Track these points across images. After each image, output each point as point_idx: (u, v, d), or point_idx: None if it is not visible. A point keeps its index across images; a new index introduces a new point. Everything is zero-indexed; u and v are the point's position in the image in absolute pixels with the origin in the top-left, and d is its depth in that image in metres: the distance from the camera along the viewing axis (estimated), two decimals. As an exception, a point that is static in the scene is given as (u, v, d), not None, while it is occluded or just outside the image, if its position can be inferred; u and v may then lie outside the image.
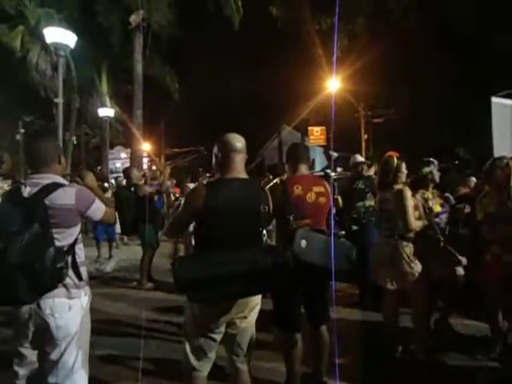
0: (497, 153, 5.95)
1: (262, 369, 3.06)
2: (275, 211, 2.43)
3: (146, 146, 21.54)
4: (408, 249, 3.14)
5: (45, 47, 11.95)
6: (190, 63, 17.52)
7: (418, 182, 3.37)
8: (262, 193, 2.19)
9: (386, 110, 18.67)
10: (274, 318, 2.72)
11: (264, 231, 2.14)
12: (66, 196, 2.01)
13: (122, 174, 7.17)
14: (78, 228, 2.10)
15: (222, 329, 2.12)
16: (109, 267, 7.10)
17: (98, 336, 3.67)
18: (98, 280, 6.20)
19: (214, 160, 2.21)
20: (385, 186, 3.34)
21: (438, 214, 3.34)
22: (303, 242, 2.38)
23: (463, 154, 17.41)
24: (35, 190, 1.99)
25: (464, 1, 13.84)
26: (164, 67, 15.23)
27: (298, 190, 2.60)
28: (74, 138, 16.52)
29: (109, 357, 3.38)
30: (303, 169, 2.75)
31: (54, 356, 2.03)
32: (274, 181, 3.05)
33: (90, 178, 2.37)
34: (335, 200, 4.42)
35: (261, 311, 2.23)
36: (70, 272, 2.03)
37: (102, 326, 4.10)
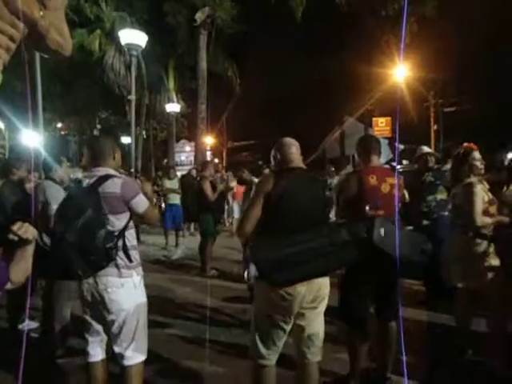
0: None
1: (325, 359, 3.11)
2: (349, 201, 2.49)
3: (208, 140, 22.24)
4: (482, 246, 2.94)
5: (119, 48, 12.80)
6: (251, 57, 17.72)
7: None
8: (321, 180, 2.35)
9: (458, 98, 17.36)
10: (341, 312, 2.71)
11: (331, 214, 2.17)
12: (114, 185, 2.25)
13: (188, 167, 7.52)
14: (127, 215, 2.32)
15: (292, 318, 2.14)
16: (176, 255, 7.50)
17: (166, 317, 4.03)
18: (165, 266, 6.60)
19: (272, 161, 2.37)
20: (457, 179, 3.15)
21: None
22: (382, 231, 2.37)
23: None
24: (92, 181, 2.28)
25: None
26: (227, 62, 15.56)
27: (373, 180, 2.58)
28: (144, 133, 17.55)
29: (177, 337, 3.60)
30: (376, 160, 2.72)
31: (114, 329, 2.28)
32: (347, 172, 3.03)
33: (146, 187, 2.59)
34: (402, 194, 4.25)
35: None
36: (121, 254, 2.26)
37: (170, 307, 4.40)
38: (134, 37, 7.49)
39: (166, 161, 16.23)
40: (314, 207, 2.17)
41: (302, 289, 2.07)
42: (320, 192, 2.22)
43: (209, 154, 23.55)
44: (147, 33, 7.84)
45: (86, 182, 2.31)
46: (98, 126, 19.94)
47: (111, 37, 13.43)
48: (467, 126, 15.53)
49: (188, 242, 8.36)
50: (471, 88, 16.14)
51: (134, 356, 2.29)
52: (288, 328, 2.17)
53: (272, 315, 2.14)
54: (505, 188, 3.38)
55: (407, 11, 14.48)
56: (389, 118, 20.00)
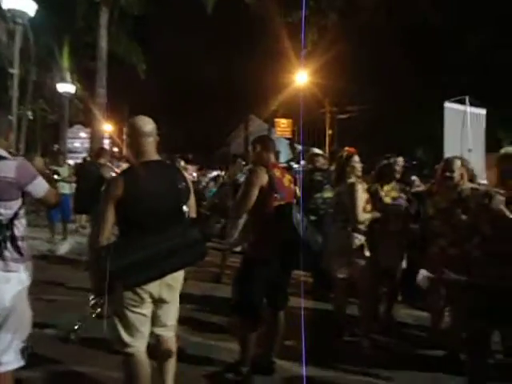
0: (447, 154, 6.30)
1: (216, 348, 3.20)
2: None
3: (107, 127, 20.82)
4: (358, 240, 3.32)
5: (1, 14, 11.18)
6: (158, 44, 17.05)
7: (381, 175, 3.60)
8: (177, 171, 2.29)
9: (350, 107, 19.15)
10: (236, 304, 2.82)
11: (185, 208, 2.18)
12: (7, 169, 2.00)
13: (83, 155, 6.93)
14: (18, 202, 2.09)
15: (149, 304, 2.14)
16: (62, 249, 6.87)
17: (49, 318, 3.68)
18: (49, 261, 6.02)
19: (125, 144, 2.28)
20: (340, 179, 3.50)
21: (387, 205, 3.57)
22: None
23: (422, 155, 18.24)
24: None
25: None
26: (131, 45, 14.69)
27: (278, 173, 2.78)
28: (29, 113, 15.66)
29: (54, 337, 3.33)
30: (272, 158, 2.89)
31: None
32: (250, 166, 3.13)
33: (38, 163, 2.34)
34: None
35: (213, 297, 2.28)
36: (9, 245, 2.03)
37: (53, 306, 4.03)
38: (19, 2, 6.62)
39: (56, 146, 14.70)
40: (167, 204, 2.13)
41: (155, 285, 2.09)
42: (174, 185, 2.16)
43: (107, 142, 22.05)
44: (40, 1, 7.01)
45: None
46: (-28, 101, 17.20)
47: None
48: (356, 133, 17.23)
49: (77, 236, 7.74)
50: (361, 100, 17.92)
51: (11, 361, 2.05)
52: (148, 312, 2.16)
53: (131, 304, 2.10)
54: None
55: (305, 20, 15.43)
56: (290, 120, 21.13)
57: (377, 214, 3.44)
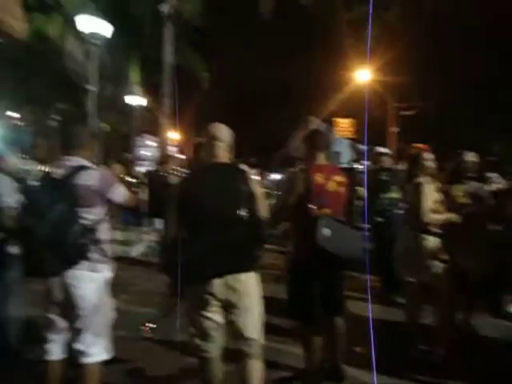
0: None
1: (282, 353, 3.18)
2: (296, 199, 2.50)
3: (174, 135, 21.83)
4: (429, 242, 3.12)
5: (80, 36, 12.28)
6: (219, 52, 17.58)
7: (453, 173, 3.36)
8: (241, 174, 2.24)
9: (415, 103, 18.15)
10: (290, 311, 2.77)
11: (244, 211, 2.14)
12: (91, 178, 2.17)
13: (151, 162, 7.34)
14: (102, 208, 2.26)
15: (217, 308, 2.13)
16: (136, 251, 7.33)
17: (122, 315, 3.93)
18: (125, 261, 6.44)
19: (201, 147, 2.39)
20: (410, 178, 3.32)
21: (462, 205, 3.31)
22: (326, 231, 2.42)
23: (500, 150, 16.70)
24: (65, 172, 2.17)
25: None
26: (193, 56, 15.35)
27: (319, 178, 2.61)
28: (104, 125, 16.97)
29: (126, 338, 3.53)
30: (321, 157, 2.75)
31: (80, 325, 2.21)
32: (294, 169, 3.07)
33: (117, 169, 2.51)
34: (354, 191, 4.42)
35: (275, 299, 2.27)
36: (94, 248, 2.20)
37: (130, 304, 4.30)
38: (97, 26, 7.24)
39: (127, 155, 15.79)
40: (225, 204, 2.12)
41: (216, 286, 2.08)
42: (235, 187, 2.16)
43: (174, 149, 23.15)
44: (111, 22, 7.60)
45: (57, 173, 2.19)
46: (56, 117, 19.07)
47: (72, 24, 12.86)
48: (424, 129, 16.26)
49: (148, 238, 8.20)
50: (428, 94, 16.89)
51: (98, 353, 2.24)
52: (216, 317, 2.14)
53: (196, 305, 2.14)
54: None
55: (372, 16, 14.92)
56: (351, 119, 20.56)
57: (452, 215, 3.21)
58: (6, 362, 2.94)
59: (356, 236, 2.61)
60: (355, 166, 5.07)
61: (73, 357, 2.27)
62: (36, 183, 2.46)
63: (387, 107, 19.43)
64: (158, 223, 9.00)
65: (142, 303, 4.39)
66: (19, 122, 20.90)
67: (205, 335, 2.13)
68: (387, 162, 4.65)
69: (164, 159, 5.98)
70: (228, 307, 2.15)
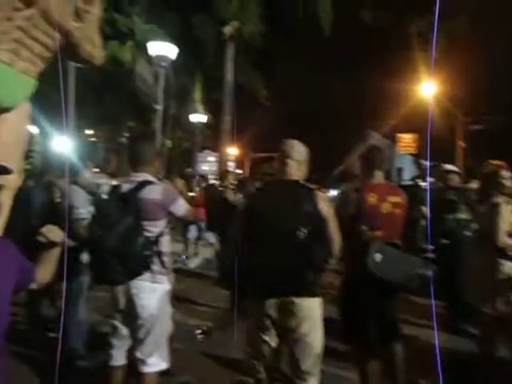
0: None
1: (338, 378, 3.04)
2: (347, 220, 2.41)
3: (232, 151, 22.41)
4: (506, 268, 2.84)
5: (149, 59, 13.18)
6: (278, 70, 17.88)
7: None
8: (309, 194, 2.14)
9: (487, 117, 16.93)
10: (345, 335, 2.67)
11: (305, 231, 2.04)
12: (154, 192, 2.28)
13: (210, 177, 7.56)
14: (164, 221, 2.36)
15: (273, 332, 2.06)
16: (194, 263, 7.55)
17: (181, 324, 4.04)
18: (182, 274, 6.64)
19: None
20: (483, 198, 3.07)
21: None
22: (378, 256, 2.31)
23: None
24: (131, 186, 2.31)
25: None
26: (253, 74, 15.77)
27: (372, 198, 2.49)
28: (169, 142, 17.90)
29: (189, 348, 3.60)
30: (379, 176, 2.62)
31: (140, 334, 2.29)
32: (347, 186, 2.97)
33: (178, 183, 2.62)
34: (419, 210, 4.18)
35: (332, 319, 2.18)
36: (156, 260, 2.29)
37: (186, 316, 4.41)
38: (163, 49, 7.73)
39: (189, 170, 16.49)
40: (286, 223, 2.05)
41: (272, 307, 2.03)
42: (297, 207, 2.08)
43: (232, 164, 23.73)
44: (176, 45, 8.07)
45: (125, 188, 2.34)
46: (126, 135, 20.50)
47: (142, 48, 13.86)
48: (495, 145, 15.08)
49: (206, 252, 8.41)
50: (500, 106, 15.72)
51: (156, 363, 2.31)
52: (271, 340, 2.08)
53: (253, 324, 2.12)
54: None
55: (437, 27, 14.30)
56: (415, 135, 19.68)
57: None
58: (70, 365, 3.13)
59: (411, 261, 2.47)
60: (419, 183, 4.80)
61: (133, 364, 2.36)
62: (105, 196, 2.65)
63: (454, 121, 18.35)
64: (214, 237, 9.28)
65: (197, 315, 4.48)
66: (93, 139, 22.74)
67: (260, 357, 2.10)
68: (455, 181, 4.36)
69: (223, 175, 6.14)
70: (285, 332, 2.07)
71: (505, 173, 3.00)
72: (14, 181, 1.93)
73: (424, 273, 2.46)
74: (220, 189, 6.38)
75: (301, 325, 2.04)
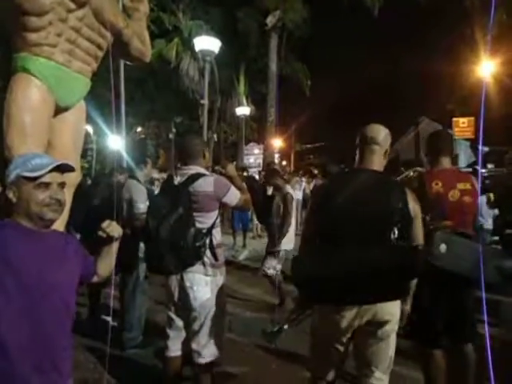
0: None
1: (401, 377, 2.91)
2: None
3: (277, 143, 22.35)
4: None
5: (194, 55, 13.41)
6: (322, 58, 17.48)
7: None
8: (397, 188, 1.94)
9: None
10: (411, 330, 2.52)
11: (395, 232, 1.80)
12: (206, 184, 2.28)
13: (256, 169, 7.54)
14: (216, 213, 2.36)
15: (345, 339, 1.90)
16: (242, 255, 7.62)
17: (232, 316, 4.07)
18: (231, 266, 6.73)
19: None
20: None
21: None
22: (443, 247, 2.12)
23: None
24: (182, 179, 2.34)
25: None
26: (297, 65, 15.53)
27: (437, 186, 2.31)
28: (215, 136, 18.20)
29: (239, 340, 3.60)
30: (445, 162, 2.43)
31: (195, 326, 2.33)
32: (407, 173, 2.77)
33: (231, 168, 2.60)
34: (488, 198, 3.86)
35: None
36: (208, 252, 2.29)
37: (237, 308, 4.45)
38: (207, 43, 7.78)
39: (235, 163, 16.68)
40: (372, 221, 1.81)
41: (350, 315, 1.82)
42: (385, 203, 1.84)
43: (277, 156, 23.69)
44: (220, 39, 8.10)
45: (176, 180, 2.38)
46: (174, 130, 21.10)
47: (187, 44, 14.12)
48: None
49: (255, 243, 8.46)
50: None
51: (211, 354, 2.34)
52: (342, 348, 1.92)
53: (322, 332, 1.94)
54: None
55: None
56: (472, 119, 18.38)
57: None
58: (128, 354, 3.26)
59: (488, 252, 2.23)
60: (481, 170, 4.47)
61: (189, 355, 2.41)
62: (158, 190, 2.71)
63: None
64: (261, 229, 9.29)
65: (247, 307, 4.50)
66: (143, 136, 23.67)
67: (324, 359, 1.97)
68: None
69: (267, 167, 6.06)
70: (357, 334, 1.89)
71: None
72: (74, 178, 2.02)
73: (504, 266, 2.23)
74: (260, 182, 6.33)
75: (380, 328, 1.86)
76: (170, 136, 21.03)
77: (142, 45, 2.24)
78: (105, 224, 1.56)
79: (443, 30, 14.48)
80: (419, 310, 2.37)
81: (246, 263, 7.14)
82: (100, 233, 1.55)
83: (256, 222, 8.51)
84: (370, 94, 19.01)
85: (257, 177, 10.34)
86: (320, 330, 1.96)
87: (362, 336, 1.89)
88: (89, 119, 2.50)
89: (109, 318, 3.71)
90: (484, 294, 1.85)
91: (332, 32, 15.43)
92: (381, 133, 1.99)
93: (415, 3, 13.63)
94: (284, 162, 24.54)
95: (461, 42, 14.11)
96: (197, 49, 7.92)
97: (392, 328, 1.89)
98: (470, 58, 14.46)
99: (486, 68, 14.06)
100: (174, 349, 2.42)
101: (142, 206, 3.11)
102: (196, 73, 14.64)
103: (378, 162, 1.97)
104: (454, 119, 18.59)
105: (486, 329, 2.19)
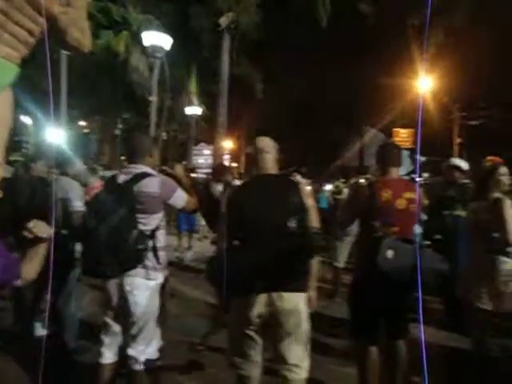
0: None
1: (332, 372, 3.02)
2: (359, 215, 2.38)
3: (228, 144, 22.29)
4: (509, 265, 2.80)
5: (144, 50, 13.00)
6: (274, 62, 17.73)
7: None
8: (292, 185, 2.20)
9: (484, 112, 16.96)
10: (349, 328, 2.63)
11: (294, 222, 2.05)
12: (152, 184, 2.20)
13: (205, 170, 7.48)
14: (161, 215, 2.28)
15: (259, 327, 2.04)
16: (187, 257, 7.50)
17: (175, 318, 3.99)
18: (176, 267, 6.59)
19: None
20: (481, 194, 3.02)
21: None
22: (389, 252, 2.26)
23: None
24: (127, 178, 2.22)
25: None
26: (249, 67, 15.62)
27: (386, 194, 2.42)
28: (164, 134, 17.74)
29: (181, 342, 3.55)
30: (394, 172, 2.57)
31: (133, 331, 2.23)
32: (357, 180, 2.92)
33: (179, 169, 2.53)
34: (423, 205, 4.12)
35: (325, 316, 2.15)
36: (150, 255, 2.21)
37: (179, 309, 4.35)
38: (158, 39, 7.59)
39: (184, 163, 16.39)
40: (275, 216, 2.06)
41: (259, 303, 2.00)
42: (285, 198, 2.11)
43: (227, 158, 23.64)
44: (172, 36, 7.93)
45: (120, 179, 2.25)
46: (120, 126, 20.32)
47: (137, 39, 13.65)
48: (492, 140, 15.11)
49: (200, 245, 8.35)
50: (498, 101, 15.72)
51: (148, 360, 2.27)
52: (256, 337, 2.06)
53: (237, 321, 2.09)
54: None
55: (432, 21, 14.26)
56: (411, 130, 19.68)
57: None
58: (60, 361, 3.07)
59: (427, 257, 2.39)
60: (417, 178, 4.76)
61: (124, 360, 2.31)
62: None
63: (453, 117, 18.36)
64: (207, 230, 9.20)
65: (189, 310, 4.43)
66: (87, 130, 22.53)
67: (244, 353, 2.06)
68: (460, 177, 4.24)
69: (216, 169, 6.00)
70: (271, 327, 2.04)
71: (502, 169, 2.96)
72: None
73: (440, 268, 2.40)
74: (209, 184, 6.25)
75: (288, 319, 2.02)
76: (116, 132, 20.23)
77: (81, 34, 2.12)
78: (31, 224, 1.43)
79: (387, 44, 15.34)
80: (362, 311, 2.49)
81: (191, 264, 7.02)
82: (26, 233, 1.42)
83: (203, 223, 8.43)
84: (318, 101, 19.59)
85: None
86: (233, 318, 2.10)
87: (274, 327, 2.04)
88: (28, 111, 2.31)
89: (39, 324, 3.48)
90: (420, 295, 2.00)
91: (284, 37, 15.72)
92: (270, 144, 2.29)
93: (362, 17, 14.31)
94: (234, 164, 24.56)
95: (403, 57, 15.02)
96: (145, 44, 7.70)
97: (301, 319, 2.05)
98: (410, 73, 15.47)
99: (423, 83, 15.11)
100: (109, 356, 2.30)
101: (79, 203, 2.94)
102: (146, 68, 14.19)
103: (272, 166, 2.26)
104: (395, 129, 19.76)
105: (422, 327, 2.34)
